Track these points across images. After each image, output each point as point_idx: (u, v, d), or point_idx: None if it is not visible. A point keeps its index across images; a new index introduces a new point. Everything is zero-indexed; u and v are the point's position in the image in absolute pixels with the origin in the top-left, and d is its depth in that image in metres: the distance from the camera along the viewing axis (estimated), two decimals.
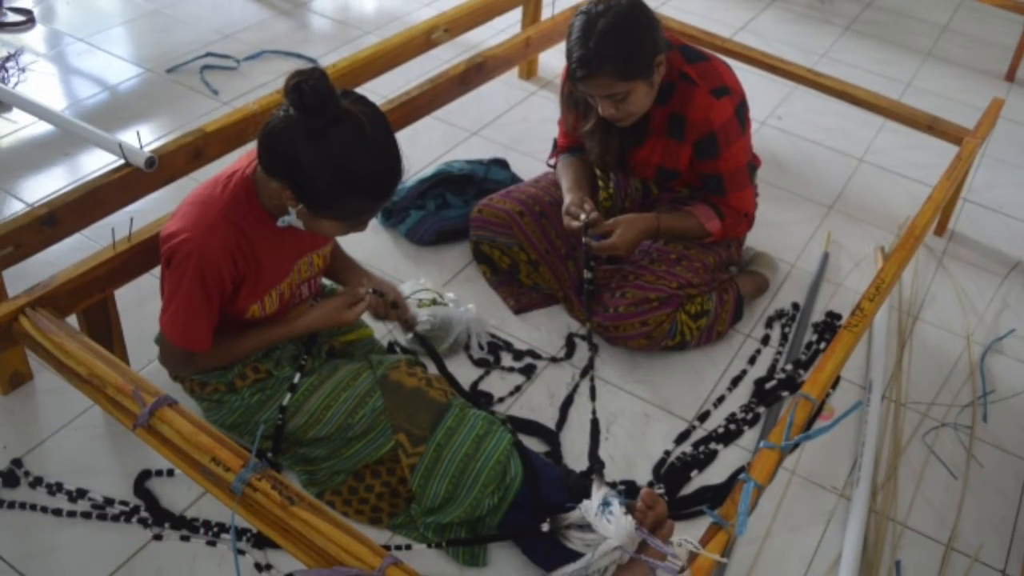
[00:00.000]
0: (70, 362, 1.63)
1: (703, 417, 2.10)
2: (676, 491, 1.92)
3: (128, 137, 2.13)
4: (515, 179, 2.63)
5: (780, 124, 3.24)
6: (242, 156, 1.71)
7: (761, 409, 2.12)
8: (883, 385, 2.21)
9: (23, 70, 3.05)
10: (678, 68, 2.08)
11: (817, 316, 2.41)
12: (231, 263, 1.63)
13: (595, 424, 2.02)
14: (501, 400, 2.08)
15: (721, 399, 2.15)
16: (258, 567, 1.68)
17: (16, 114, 2.81)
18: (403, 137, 1.64)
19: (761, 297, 2.44)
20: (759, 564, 1.80)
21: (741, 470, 1.91)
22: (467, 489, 1.70)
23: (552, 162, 2.41)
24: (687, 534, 1.45)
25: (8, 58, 3.06)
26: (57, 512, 1.74)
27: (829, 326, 2.36)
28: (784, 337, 2.33)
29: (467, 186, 2.57)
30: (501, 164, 2.68)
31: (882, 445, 2.07)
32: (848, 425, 2.10)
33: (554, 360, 2.19)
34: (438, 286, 2.29)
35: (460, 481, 1.70)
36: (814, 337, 2.33)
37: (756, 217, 2.32)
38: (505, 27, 3.42)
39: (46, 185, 2.56)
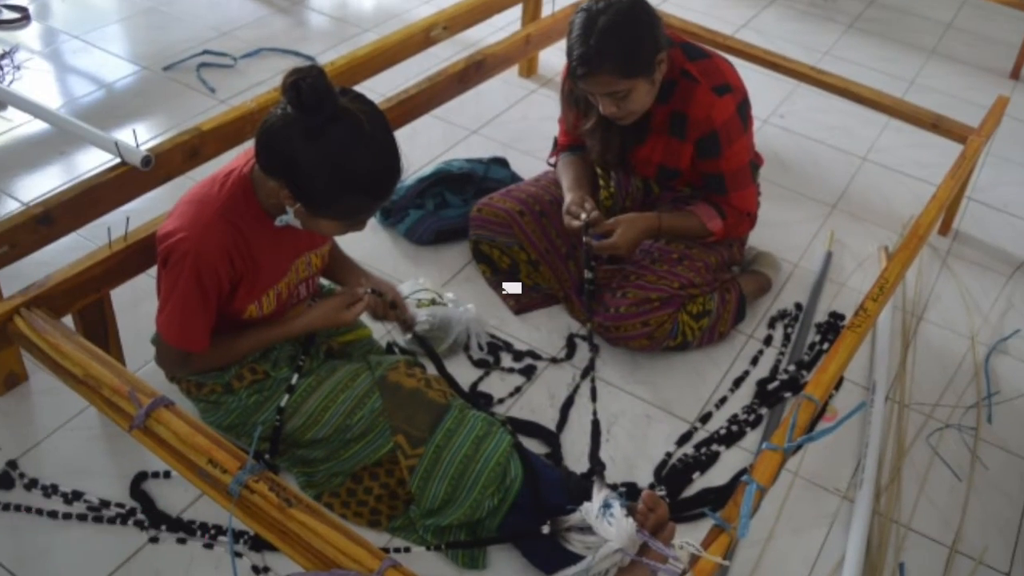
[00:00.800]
0: (66, 363, 1.63)
1: (705, 418, 2.10)
2: (678, 493, 1.91)
3: (124, 135, 2.13)
4: (515, 178, 2.63)
5: (782, 122, 3.24)
6: (239, 155, 1.70)
7: (763, 410, 2.12)
8: (887, 386, 2.20)
9: (18, 68, 3.05)
10: (679, 66, 2.07)
11: (820, 316, 2.41)
12: (228, 262, 1.63)
13: (596, 425, 2.02)
14: (501, 401, 2.07)
15: (723, 400, 2.14)
16: (255, 570, 1.68)
17: (11, 112, 2.81)
18: (402, 136, 1.64)
19: (764, 297, 2.44)
20: (761, 567, 1.80)
21: (743, 472, 1.91)
22: (467, 491, 1.70)
23: (552, 161, 2.41)
24: (689, 536, 1.45)
25: (3, 56, 3.06)
26: (53, 514, 1.74)
27: (832, 326, 2.36)
28: (787, 338, 2.33)
29: (466, 185, 2.56)
30: (501, 163, 2.68)
31: (886, 447, 2.07)
32: (851, 426, 2.10)
33: (554, 361, 2.19)
34: (437, 286, 2.29)
35: (459, 483, 1.70)
36: (817, 337, 2.33)
37: (758, 216, 2.32)
38: (505, 24, 3.42)
39: (41, 184, 2.56)
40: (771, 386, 2.17)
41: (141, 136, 2.76)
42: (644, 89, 2.00)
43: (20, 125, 2.78)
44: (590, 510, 1.55)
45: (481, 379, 2.12)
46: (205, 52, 3.21)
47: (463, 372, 2.11)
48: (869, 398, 2.16)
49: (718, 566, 1.40)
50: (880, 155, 3.12)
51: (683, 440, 2.04)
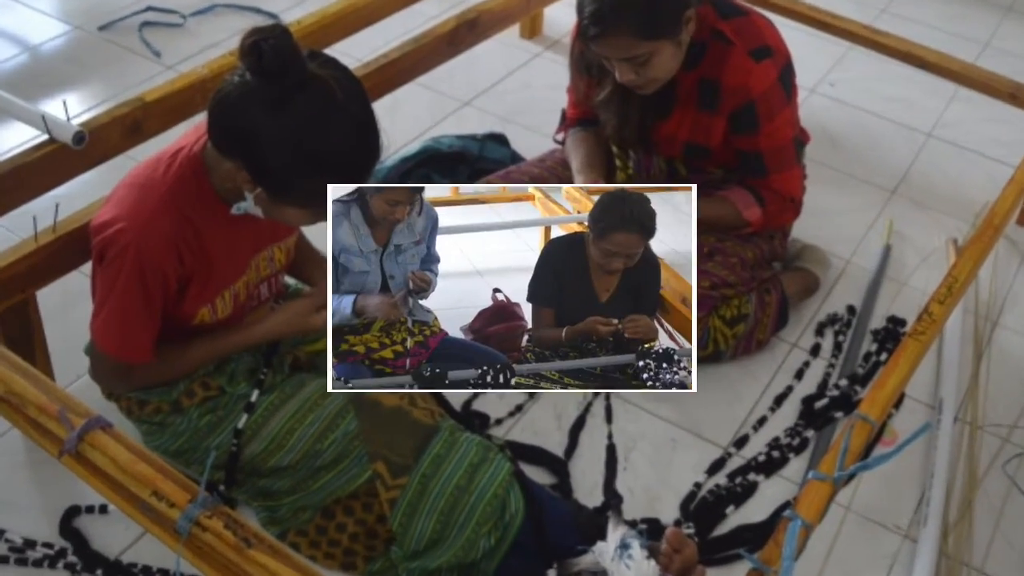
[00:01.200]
0: None
1: (740, 443, 2.10)
2: (708, 531, 1.92)
3: (53, 108, 2.13)
4: (515, 157, 2.64)
5: (833, 92, 3.24)
6: (189, 131, 1.71)
7: (810, 433, 2.12)
8: (956, 404, 2.21)
9: None
10: (710, 24, 2.08)
11: (877, 321, 2.41)
12: (176, 258, 1.63)
13: (611, 451, 2.03)
14: (499, 422, 2.08)
15: (762, 421, 2.15)
16: None
17: None
18: (381, 107, 1.65)
19: (810, 299, 2.44)
20: None
21: (786, 506, 1.92)
22: (458, 528, 1.70)
23: (560, 137, 2.42)
24: None
25: None
26: None
27: (891, 333, 2.37)
28: (838, 347, 2.33)
29: (458, 166, 2.57)
30: (499, 140, 2.68)
31: (955, 476, 2.07)
32: (914, 452, 2.10)
33: None
34: None
35: (450, 519, 1.70)
36: (873, 347, 2.34)
37: (804, 203, 2.32)
38: None
39: None
40: (819, 404, 2.17)
41: (73, 108, 2.75)
42: (668, 52, 2.00)
43: None
44: (604, 551, 1.55)
45: (476, 396, 2.12)
46: (148, 9, 3.22)
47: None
48: (935, 418, 2.17)
49: None
50: (948, 131, 3.13)
51: (714, 468, 2.04)
